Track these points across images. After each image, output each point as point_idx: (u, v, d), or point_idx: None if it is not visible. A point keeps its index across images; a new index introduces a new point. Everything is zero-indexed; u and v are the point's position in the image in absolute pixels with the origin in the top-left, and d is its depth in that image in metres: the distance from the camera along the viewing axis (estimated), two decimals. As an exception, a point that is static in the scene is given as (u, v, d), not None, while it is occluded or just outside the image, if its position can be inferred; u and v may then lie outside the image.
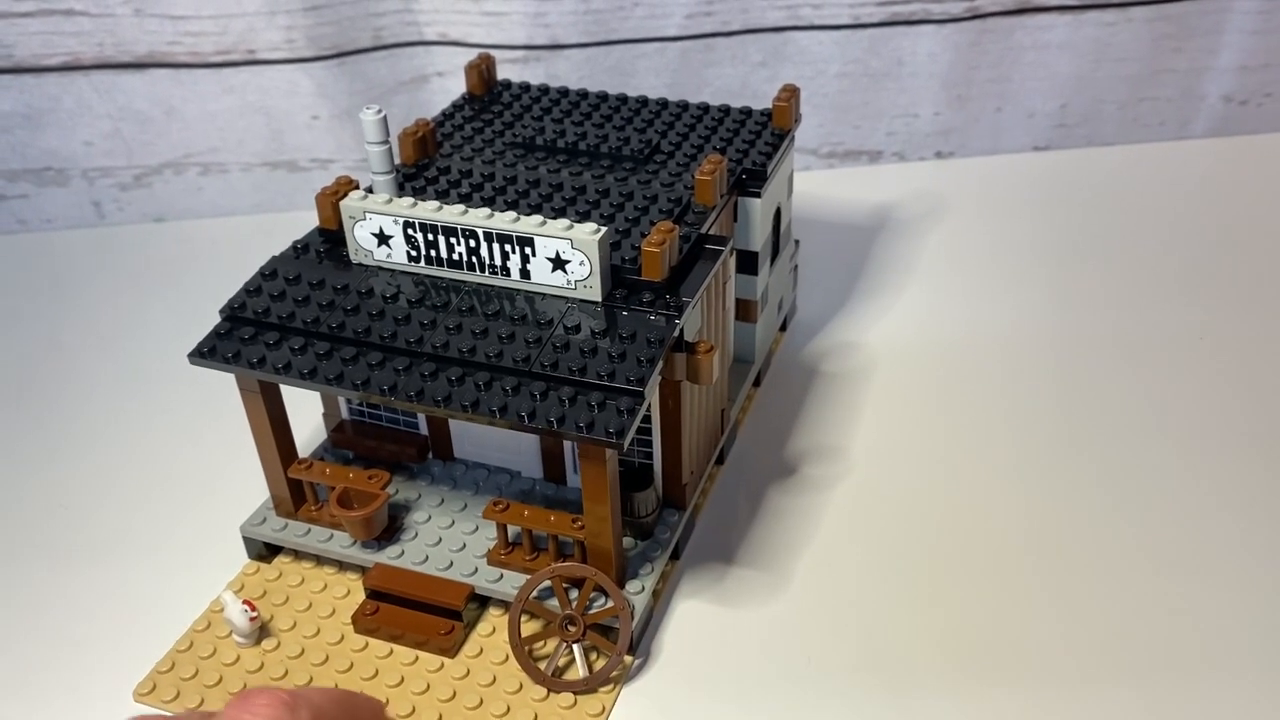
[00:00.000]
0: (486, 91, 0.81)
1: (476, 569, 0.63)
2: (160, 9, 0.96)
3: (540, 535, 0.62)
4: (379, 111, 0.63)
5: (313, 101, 1.02)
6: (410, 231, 0.61)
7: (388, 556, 0.64)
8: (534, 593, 0.60)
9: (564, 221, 0.59)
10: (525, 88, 0.82)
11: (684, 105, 0.80)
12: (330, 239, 0.66)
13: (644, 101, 0.80)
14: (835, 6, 1.02)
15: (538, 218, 0.60)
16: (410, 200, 0.61)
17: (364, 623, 0.62)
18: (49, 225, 1.06)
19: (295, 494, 0.66)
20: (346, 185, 0.65)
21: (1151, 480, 0.72)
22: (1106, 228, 1.00)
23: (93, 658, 0.63)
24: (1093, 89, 1.11)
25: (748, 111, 0.79)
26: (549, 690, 0.59)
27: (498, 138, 0.76)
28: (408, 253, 0.62)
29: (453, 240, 0.60)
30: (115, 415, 0.81)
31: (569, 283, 0.60)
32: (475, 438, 0.69)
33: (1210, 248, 0.96)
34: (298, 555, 0.67)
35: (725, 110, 0.79)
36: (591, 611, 0.60)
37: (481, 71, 0.81)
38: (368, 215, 0.61)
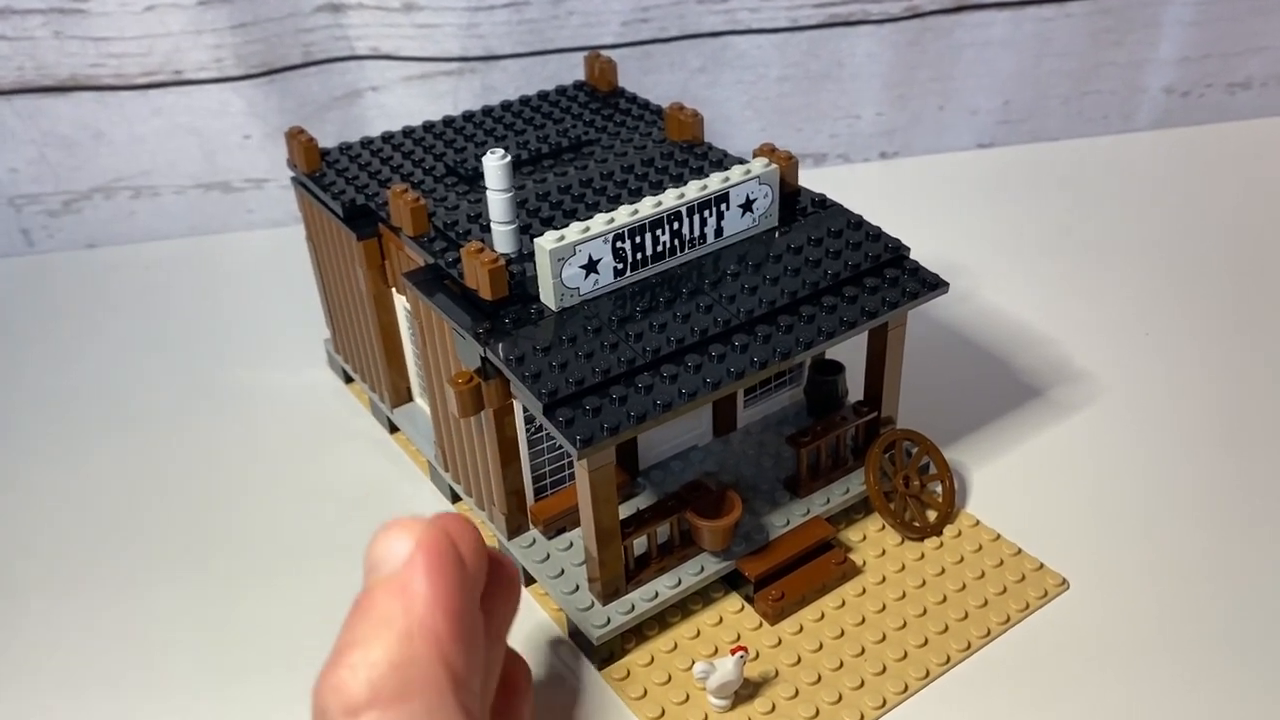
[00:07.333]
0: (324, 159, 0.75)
1: (808, 509, 0.65)
2: (81, 30, 0.93)
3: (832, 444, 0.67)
4: (504, 156, 0.59)
5: (244, 121, 1.00)
6: (619, 244, 0.59)
7: (748, 549, 0.63)
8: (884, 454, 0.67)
9: (739, 167, 0.63)
10: (367, 142, 0.76)
11: (546, 94, 0.81)
12: (503, 304, 0.59)
13: (467, 116, 0.79)
14: (773, 10, 1.01)
15: (716, 175, 0.62)
16: (606, 216, 0.59)
17: (776, 608, 0.61)
18: (-24, 255, 1.03)
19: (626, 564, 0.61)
20: (484, 254, 0.58)
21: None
22: (1055, 222, 0.99)
23: None
24: (1035, 84, 1.10)
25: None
26: (905, 535, 0.66)
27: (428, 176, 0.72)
28: (614, 268, 0.60)
29: (658, 232, 0.60)
30: (50, 445, 0.79)
31: (754, 220, 0.64)
32: (653, 439, 0.68)
33: (1157, 239, 0.96)
34: (638, 634, 0.62)
35: (580, 86, 0.83)
36: (929, 473, 0.68)
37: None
38: (578, 249, 0.58)
